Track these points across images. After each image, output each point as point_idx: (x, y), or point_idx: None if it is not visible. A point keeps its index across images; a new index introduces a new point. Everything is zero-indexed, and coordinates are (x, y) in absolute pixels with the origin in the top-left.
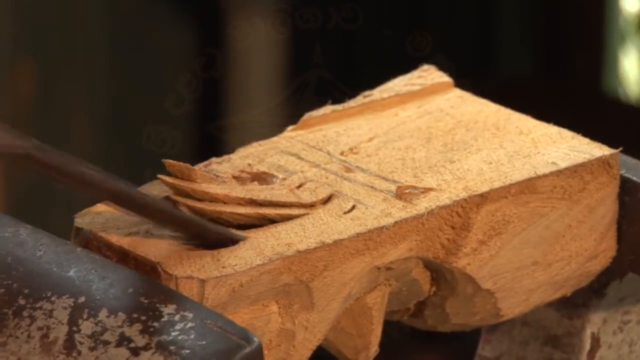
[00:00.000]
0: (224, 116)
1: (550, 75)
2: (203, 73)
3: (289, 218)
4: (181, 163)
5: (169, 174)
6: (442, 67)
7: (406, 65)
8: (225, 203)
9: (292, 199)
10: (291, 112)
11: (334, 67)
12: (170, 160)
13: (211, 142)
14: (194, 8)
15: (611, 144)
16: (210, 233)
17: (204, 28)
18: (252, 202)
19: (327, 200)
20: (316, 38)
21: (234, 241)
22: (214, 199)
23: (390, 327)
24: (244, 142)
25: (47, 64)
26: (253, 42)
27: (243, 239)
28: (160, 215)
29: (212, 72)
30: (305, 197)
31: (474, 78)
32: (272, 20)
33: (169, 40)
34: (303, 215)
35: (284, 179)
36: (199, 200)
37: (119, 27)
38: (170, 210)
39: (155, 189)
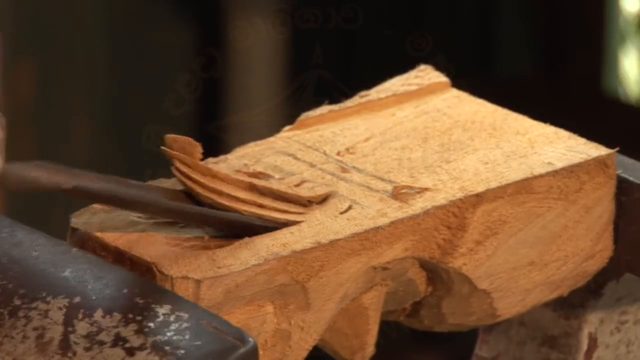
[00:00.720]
0: (224, 116)
1: (550, 75)
2: (203, 73)
3: (284, 220)
4: (185, 137)
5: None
6: (441, 67)
7: (406, 65)
8: (225, 182)
9: (290, 191)
10: (291, 112)
11: (334, 67)
12: (173, 135)
13: (211, 142)
14: (194, 8)
15: (611, 144)
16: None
17: (204, 28)
18: (252, 188)
19: (324, 199)
20: (316, 38)
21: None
22: (215, 177)
23: (389, 328)
24: (244, 142)
25: (47, 64)
26: (253, 42)
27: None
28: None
29: (212, 72)
30: (303, 192)
31: (474, 78)
32: (272, 20)
33: (169, 40)
34: (298, 218)
35: (282, 179)
36: (202, 174)
37: (119, 27)
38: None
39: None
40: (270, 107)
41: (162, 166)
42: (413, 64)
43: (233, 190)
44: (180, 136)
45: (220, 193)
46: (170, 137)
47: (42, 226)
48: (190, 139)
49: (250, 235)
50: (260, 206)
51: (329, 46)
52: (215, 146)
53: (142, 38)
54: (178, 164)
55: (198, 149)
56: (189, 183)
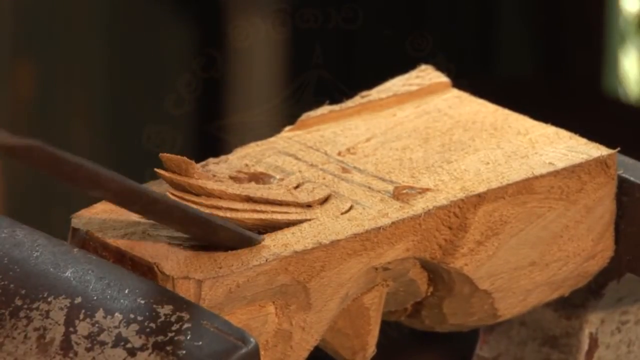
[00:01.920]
0: (224, 116)
1: (550, 75)
2: (203, 73)
3: (286, 220)
4: (179, 157)
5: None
6: (442, 67)
7: (406, 65)
8: (221, 199)
9: (289, 198)
10: (291, 112)
11: (334, 67)
12: (168, 154)
13: (211, 142)
14: (194, 8)
15: (611, 144)
16: (228, 233)
17: (204, 28)
18: (249, 200)
19: (325, 200)
20: (316, 38)
21: (250, 243)
22: (210, 195)
23: (389, 328)
24: (244, 142)
25: (47, 64)
26: (253, 42)
27: (260, 241)
28: (172, 214)
29: (212, 72)
30: (303, 197)
31: (474, 78)
32: (272, 20)
33: (169, 40)
34: (300, 217)
35: (282, 180)
36: (196, 195)
37: (119, 27)
38: (185, 208)
39: (154, 188)
40: (270, 107)
41: (162, 166)
42: (413, 64)
43: (231, 204)
44: (174, 156)
45: (219, 208)
46: (164, 156)
47: (42, 226)
48: (184, 158)
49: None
50: (260, 212)
51: (329, 46)
52: (215, 146)
53: (142, 38)
54: (172, 190)
55: (193, 166)
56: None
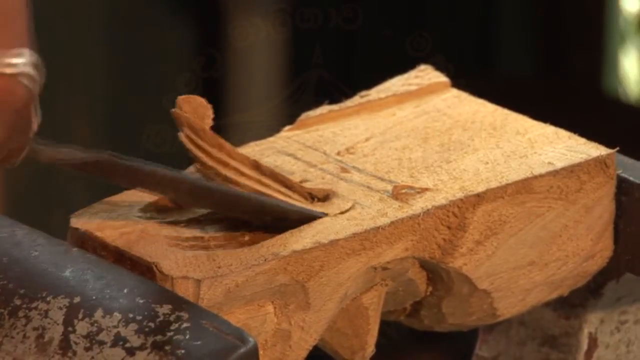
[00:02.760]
0: (224, 116)
1: (550, 75)
2: (203, 73)
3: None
4: (197, 97)
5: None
6: (441, 67)
7: (406, 65)
8: (231, 157)
9: (293, 183)
10: (291, 112)
11: (334, 67)
12: (186, 96)
13: None
14: (194, 8)
15: (611, 144)
16: (296, 214)
17: (204, 28)
18: (257, 166)
19: (325, 199)
20: (316, 38)
21: (315, 218)
22: (222, 148)
23: (389, 328)
24: (244, 142)
25: (47, 64)
26: (253, 42)
27: (322, 216)
28: (242, 204)
29: (212, 72)
30: (305, 190)
31: (473, 78)
32: (272, 20)
33: (169, 40)
34: (301, 205)
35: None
36: (209, 145)
37: (119, 27)
38: (254, 197)
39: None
40: (270, 107)
41: (163, 166)
42: (413, 64)
43: (238, 165)
44: (193, 96)
45: (225, 164)
46: (182, 98)
47: (42, 226)
48: (203, 100)
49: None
50: (264, 185)
51: (329, 46)
52: None
53: (142, 38)
54: (187, 130)
55: (209, 112)
56: (195, 150)
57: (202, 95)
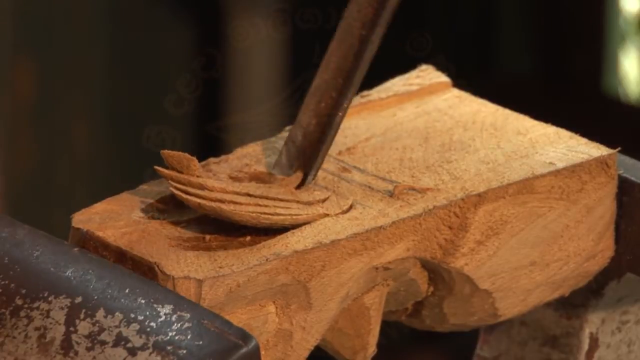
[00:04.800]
0: (224, 116)
1: (550, 75)
2: (203, 73)
3: (289, 215)
4: (180, 153)
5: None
6: (441, 67)
7: (406, 65)
8: (225, 193)
9: (289, 197)
10: (291, 112)
11: None
12: (169, 151)
13: (211, 142)
14: (194, 8)
15: (611, 144)
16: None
17: (204, 28)
18: (250, 195)
19: (325, 199)
20: (316, 38)
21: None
22: (212, 190)
23: (390, 328)
24: (244, 142)
25: (47, 64)
26: (253, 42)
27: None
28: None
29: (212, 72)
30: (303, 197)
31: (474, 78)
32: (272, 20)
33: (169, 40)
34: (301, 212)
35: (283, 179)
36: (199, 190)
37: (119, 27)
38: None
39: (154, 188)
40: (270, 107)
41: (162, 166)
42: (413, 64)
43: (234, 198)
44: (176, 152)
45: (222, 201)
46: (165, 153)
47: (42, 226)
48: (186, 154)
49: None
50: (263, 206)
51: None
52: (215, 146)
53: (142, 38)
54: (174, 183)
55: (194, 163)
56: (187, 198)
57: (202, 96)
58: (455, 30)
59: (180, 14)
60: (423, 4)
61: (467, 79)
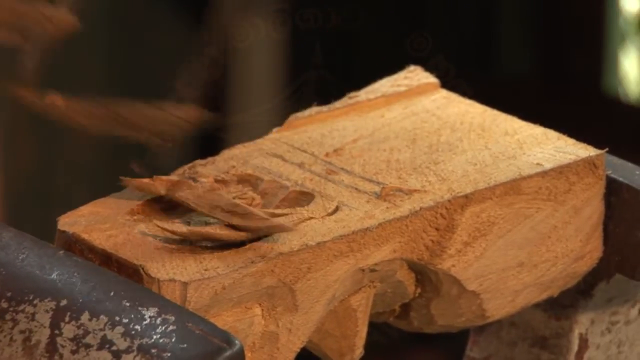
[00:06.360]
0: (224, 116)
1: (550, 75)
2: (203, 73)
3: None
4: (143, 180)
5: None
6: (442, 67)
7: (406, 66)
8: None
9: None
10: (291, 112)
11: (334, 67)
12: (129, 180)
13: (211, 142)
14: (194, 8)
15: (611, 144)
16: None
17: (204, 28)
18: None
19: (310, 201)
20: (316, 38)
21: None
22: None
23: (389, 328)
24: (244, 142)
25: (47, 64)
26: (253, 42)
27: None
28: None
29: (212, 72)
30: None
31: (474, 78)
32: (272, 20)
33: (169, 40)
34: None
35: (272, 181)
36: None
37: (119, 26)
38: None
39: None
40: (270, 107)
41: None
42: (413, 64)
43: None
44: (140, 181)
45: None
46: (126, 181)
47: (42, 227)
48: (149, 181)
49: None
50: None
51: (329, 46)
52: (215, 146)
53: (142, 38)
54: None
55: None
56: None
57: (202, 96)
58: (454, 30)
59: (180, 14)
60: (423, 4)
61: (467, 79)
